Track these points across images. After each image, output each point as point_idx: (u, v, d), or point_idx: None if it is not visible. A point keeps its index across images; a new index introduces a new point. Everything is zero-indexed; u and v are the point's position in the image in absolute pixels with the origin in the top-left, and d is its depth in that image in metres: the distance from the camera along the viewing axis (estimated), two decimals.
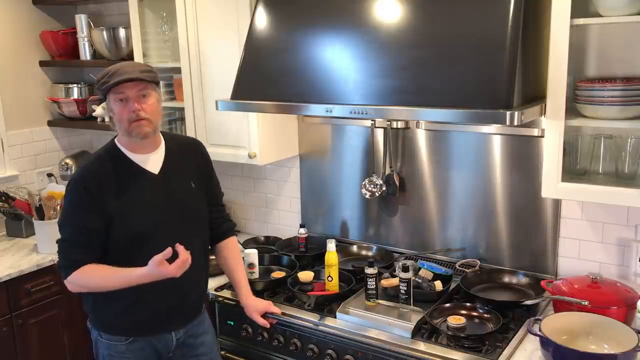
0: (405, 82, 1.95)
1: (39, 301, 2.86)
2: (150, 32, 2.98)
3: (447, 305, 2.16)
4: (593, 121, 1.97)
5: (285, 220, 3.09)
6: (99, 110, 3.21)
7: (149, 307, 2.03)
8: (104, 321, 2.08)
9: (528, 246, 2.42)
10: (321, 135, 2.85)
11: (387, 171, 2.67)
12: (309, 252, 2.75)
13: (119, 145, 2.04)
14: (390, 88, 1.97)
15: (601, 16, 1.91)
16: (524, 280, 2.35)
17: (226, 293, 2.47)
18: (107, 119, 3.23)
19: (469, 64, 1.86)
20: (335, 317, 2.18)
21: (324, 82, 2.10)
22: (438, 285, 2.28)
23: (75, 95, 3.44)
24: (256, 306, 2.24)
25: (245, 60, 2.30)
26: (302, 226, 2.78)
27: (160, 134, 2.10)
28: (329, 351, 2.16)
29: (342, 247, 2.75)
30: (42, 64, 3.46)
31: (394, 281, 2.25)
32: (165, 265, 1.86)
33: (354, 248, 2.79)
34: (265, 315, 2.23)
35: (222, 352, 2.44)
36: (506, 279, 2.38)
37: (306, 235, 2.78)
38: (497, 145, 2.41)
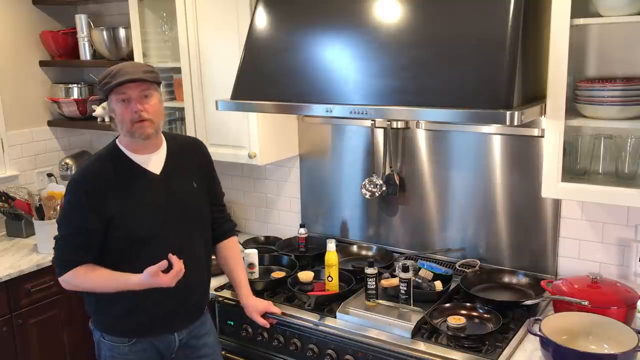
0: (405, 82, 1.95)
1: (39, 301, 2.86)
2: (150, 32, 2.98)
3: (447, 305, 2.16)
4: (593, 121, 1.97)
5: (285, 220, 3.09)
6: (99, 110, 3.21)
7: (151, 308, 2.03)
8: (107, 323, 2.08)
9: (528, 246, 2.42)
10: (321, 135, 2.85)
11: (387, 171, 2.67)
12: (309, 252, 2.75)
13: (120, 146, 2.04)
14: (390, 88, 1.97)
15: (601, 16, 1.91)
16: (524, 280, 2.35)
17: (226, 293, 2.47)
18: (107, 119, 3.24)
19: (469, 64, 1.86)
20: (335, 317, 2.18)
21: (324, 82, 2.10)
22: (438, 285, 2.28)
23: (75, 95, 3.44)
24: (256, 306, 2.24)
25: (245, 60, 2.30)
26: (302, 226, 2.78)
27: (162, 134, 2.10)
28: (329, 351, 2.16)
29: (342, 247, 2.75)
30: (42, 64, 3.46)
31: (394, 281, 2.25)
32: (160, 276, 1.87)
33: (354, 248, 2.79)
34: (265, 315, 2.23)
35: (222, 352, 2.44)
36: (506, 279, 2.38)
37: (306, 235, 2.78)
38: (497, 145, 2.41)
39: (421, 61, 1.95)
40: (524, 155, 2.35)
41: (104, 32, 3.20)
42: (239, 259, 2.33)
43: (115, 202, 1.95)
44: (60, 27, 3.50)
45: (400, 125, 2.60)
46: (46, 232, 2.91)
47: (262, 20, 2.30)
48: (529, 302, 2.13)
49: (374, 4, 2.07)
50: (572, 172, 2.10)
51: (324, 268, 2.38)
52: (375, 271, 2.21)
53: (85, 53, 3.36)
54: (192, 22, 2.70)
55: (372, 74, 2.02)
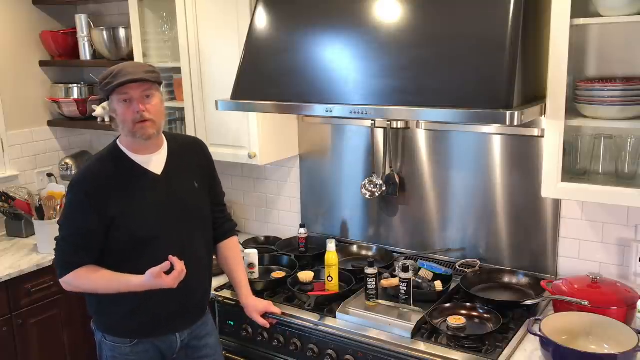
0: (405, 82, 1.95)
1: (39, 301, 2.86)
2: (150, 32, 2.98)
3: (447, 305, 2.16)
4: (593, 121, 1.97)
5: (285, 220, 3.09)
6: (99, 110, 3.21)
7: (154, 309, 2.03)
8: (109, 323, 2.07)
9: (528, 246, 2.42)
10: (321, 135, 2.85)
11: (387, 171, 2.67)
12: (309, 252, 2.75)
13: (121, 146, 2.03)
14: (390, 88, 1.97)
15: (601, 16, 1.91)
16: (524, 280, 2.35)
17: (226, 293, 2.47)
18: (107, 119, 3.23)
19: (469, 64, 1.86)
20: (335, 317, 2.18)
21: (324, 82, 2.10)
22: (438, 285, 2.28)
23: (75, 95, 3.44)
24: (256, 306, 2.24)
25: (245, 60, 2.30)
26: (302, 226, 2.78)
27: (162, 134, 2.10)
28: (329, 351, 2.16)
29: (342, 247, 2.75)
30: (42, 64, 3.46)
31: (394, 281, 2.25)
32: (162, 277, 1.87)
33: (354, 248, 2.79)
34: (265, 315, 2.23)
35: (223, 353, 2.44)
36: (506, 279, 2.38)
37: (306, 235, 2.78)
38: (497, 145, 2.41)
39: (421, 61, 1.95)
40: (524, 155, 2.35)
41: (104, 32, 3.20)
42: (239, 259, 2.33)
43: (117, 203, 1.95)
44: (60, 27, 3.50)
45: (400, 125, 2.60)
46: (46, 232, 2.91)
47: (262, 20, 2.30)
48: (529, 302, 2.13)
49: (374, 4, 2.07)
50: (572, 172, 2.10)
51: (324, 268, 2.38)
52: (375, 271, 2.21)
53: (85, 53, 3.36)
54: (192, 22, 2.70)
55: (372, 74, 2.02)
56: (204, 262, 2.14)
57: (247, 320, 2.32)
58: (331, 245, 2.36)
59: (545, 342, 1.80)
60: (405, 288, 2.16)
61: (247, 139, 2.68)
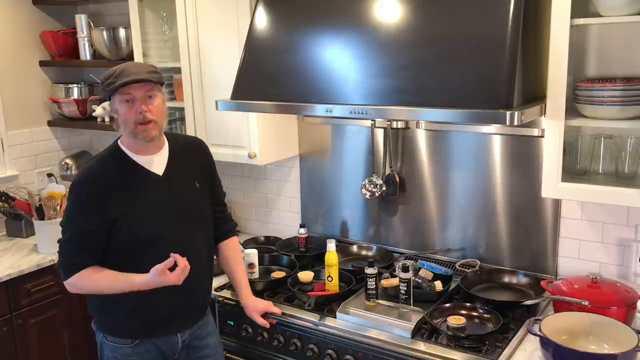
0: (405, 82, 1.95)
1: (39, 301, 2.86)
2: (150, 32, 2.98)
3: (447, 305, 2.16)
4: (593, 121, 1.97)
5: (285, 220, 3.09)
6: (98, 110, 3.21)
7: (156, 309, 2.03)
8: (110, 324, 2.07)
9: (528, 246, 2.42)
10: (321, 135, 2.85)
11: (387, 171, 2.67)
12: (309, 252, 2.75)
13: (122, 147, 2.03)
14: (390, 88, 1.97)
15: (601, 16, 1.91)
16: (524, 280, 2.35)
17: (226, 293, 2.47)
18: (107, 119, 3.24)
19: (469, 64, 1.86)
20: (335, 317, 2.18)
21: (324, 82, 2.10)
22: (438, 285, 2.28)
23: (75, 95, 3.44)
24: (256, 306, 2.24)
25: (245, 60, 2.30)
26: (302, 226, 2.78)
27: (163, 135, 2.10)
28: (329, 351, 2.16)
29: (342, 247, 2.75)
30: (42, 64, 3.46)
31: (394, 281, 2.25)
32: (167, 274, 1.87)
33: (354, 248, 2.79)
34: (265, 315, 2.23)
35: (223, 352, 2.44)
36: (506, 279, 2.38)
37: (306, 235, 2.78)
38: (497, 145, 2.41)
39: (421, 61, 1.95)
40: (524, 155, 2.35)
41: (104, 32, 3.20)
42: (239, 259, 2.33)
43: (118, 204, 1.95)
44: (60, 27, 3.50)
45: (400, 125, 2.60)
46: (46, 232, 2.92)
47: (262, 20, 2.30)
48: (529, 302, 2.13)
49: (374, 4, 2.07)
50: (572, 172, 2.10)
51: (324, 268, 2.38)
52: (375, 271, 2.21)
53: (85, 53, 3.36)
54: (192, 22, 2.70)
55: (372, 74, 2.02)
56: (205, 262, 2.15)
57: (247, 320, 2.32)
58: (331, 245, 2.36)
59: (545, 342, 1.80)
60: (405, 288, 2.16)
61: (247, 139, 2.68)
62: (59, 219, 2.63)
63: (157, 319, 2.05)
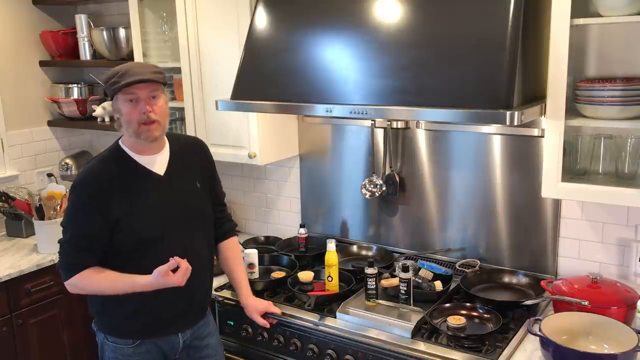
0: (405, 82, 1.95)
1: (39, 301, 2.86)
2: (150, 32, 2.98)
3: (447, 305, 2.16)
4: (593, 121, 1.97)
5: (285, 220, 3.09)
6: (99, 110, 3.21)
7: (157, 310, 2.03)
8: (111, 324, 2.07)
9: (528, 246, 2.42)
10: (321, 135, 2.85)
11: (387, 171, 2.67)
12: (309, 252, 2.75)
13: (123, 147, 2.02)
14: (390, 88, 1.97)
15: (601, 16, 1.91)
16: (524, 280, 2.35)
17: (226, 293, 2.47)
18: (107, 119, 3.24)
19: (469, 64, 1.86)
20: (335, 317, 2.18)
21: (324, 82, 2.10)
22: (438, 285, 2.28)
23: (75, 95, 3.44)
24: (256, 306, 2.24)
25: (245, 60, 2.30)
26: (302, 226, 2.78)
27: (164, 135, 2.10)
28: (329, 351, 2.16)
29: (342, 247, 2.75)
30: (42, 64, 3.46)
31: (394, 281, 2.25)
32: (170, 276, 1.87)
33: (354, 248, 2.79)
34: (265, 315, 2.23)
35: (223, 352, 2.44)
36: (506, 279, 2.38)
37: (306, 235, 2.78)
38: (497, 145, 2.41)
39: (421, 61, 1.95)
40: (524, 155, 2.35)
41: (104, 32, 3.20)
42: (239, 259, 2.33)
43: (120, 204, 1.95)
44: (60, 27, 3.50)
45: (400, 125, 2.60)
46: (46, 232, 2.92)
47: (262, 20, 2.30)
48: (529, 302, 2.13)
49: (374, 4, 2.07)
50: (572, 172, 2.10)
51: (324, 268, 2.38)
52: (375, 271, 2.21)
53: (85, 53, 3.36)
54: (192, 22, 2.70)
55: (372, 74, 2.02)
56: (205, 262, 2.15)
57: (247, 320, 2.32)
58: (331, 245, 2.36)
59: (545, 342, 1.80)
60: (405, 288, 2.16)
61: (247, 139, 2.68)
62: (59, 219, 2.64)
63: (159, 319, 2.05)
